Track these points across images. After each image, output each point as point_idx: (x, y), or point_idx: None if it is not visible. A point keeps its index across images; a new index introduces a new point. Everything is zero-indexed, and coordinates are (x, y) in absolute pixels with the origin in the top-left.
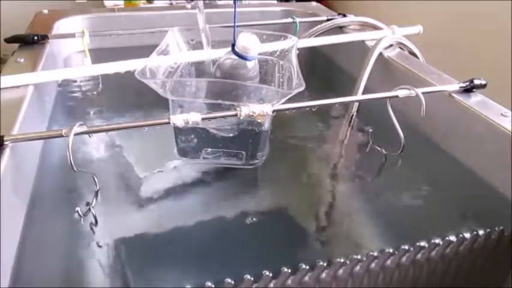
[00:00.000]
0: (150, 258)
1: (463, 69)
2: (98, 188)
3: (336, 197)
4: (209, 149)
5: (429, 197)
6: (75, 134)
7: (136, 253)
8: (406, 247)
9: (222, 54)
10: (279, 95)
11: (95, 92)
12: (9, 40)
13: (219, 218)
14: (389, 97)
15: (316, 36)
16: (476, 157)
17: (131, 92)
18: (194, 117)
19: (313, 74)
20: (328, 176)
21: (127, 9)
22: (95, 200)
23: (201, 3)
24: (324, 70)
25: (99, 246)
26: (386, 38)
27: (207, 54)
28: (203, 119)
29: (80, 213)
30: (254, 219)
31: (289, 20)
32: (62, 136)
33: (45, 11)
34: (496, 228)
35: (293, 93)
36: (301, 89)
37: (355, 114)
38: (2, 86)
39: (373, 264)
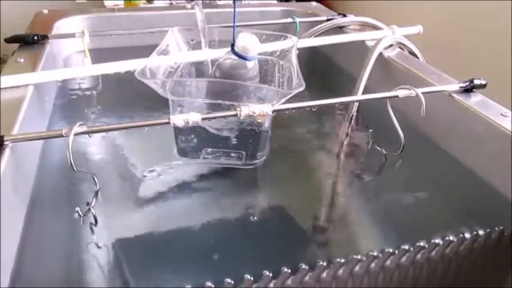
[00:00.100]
0: (150, 258)
1: (463, 69)
2: (98, 188)
3: (336, 197)
4: (209, 149)
5: (429, 197)
6: (75, 134)
7: (136, 253)
8: (406, 247)
9: (222, 54)
10: (279, 95)
11: (94, 92)
12: (9, 40)
13: (219, 218)
14: (389, 97)
15: (316, 36)
16: (476, 157)
17: (131, 92)
18: (194, 117)
19: (313, 74)
20: (328, 176)
21: (127, 9)
22: (94, 200)
23: (200, 3)
24: (324, 70)
25: (99, 247)
26: (386, 38)
27: (206, 54)
28: (203, 119)
29: (80, 213)
30: (254, 219)
31: (289, 20)
32: (62, 136)
33: (45, 11)
34: (496, 228)
35: (293, 93)
36: (301, 89)
37: (355, 114)
38: (2, 86)
39: (373, 264)
